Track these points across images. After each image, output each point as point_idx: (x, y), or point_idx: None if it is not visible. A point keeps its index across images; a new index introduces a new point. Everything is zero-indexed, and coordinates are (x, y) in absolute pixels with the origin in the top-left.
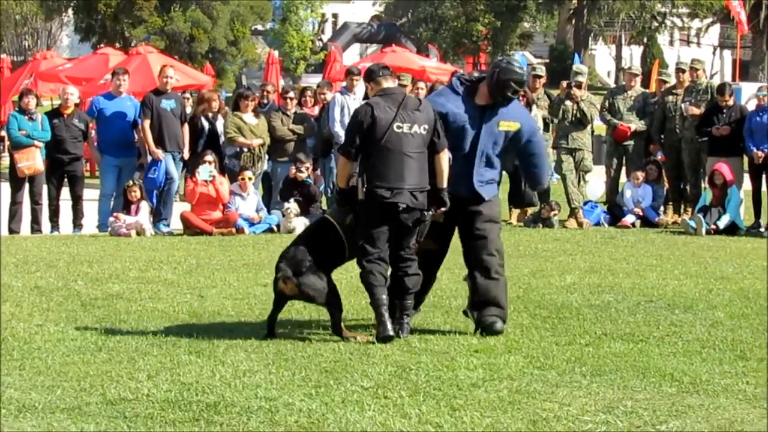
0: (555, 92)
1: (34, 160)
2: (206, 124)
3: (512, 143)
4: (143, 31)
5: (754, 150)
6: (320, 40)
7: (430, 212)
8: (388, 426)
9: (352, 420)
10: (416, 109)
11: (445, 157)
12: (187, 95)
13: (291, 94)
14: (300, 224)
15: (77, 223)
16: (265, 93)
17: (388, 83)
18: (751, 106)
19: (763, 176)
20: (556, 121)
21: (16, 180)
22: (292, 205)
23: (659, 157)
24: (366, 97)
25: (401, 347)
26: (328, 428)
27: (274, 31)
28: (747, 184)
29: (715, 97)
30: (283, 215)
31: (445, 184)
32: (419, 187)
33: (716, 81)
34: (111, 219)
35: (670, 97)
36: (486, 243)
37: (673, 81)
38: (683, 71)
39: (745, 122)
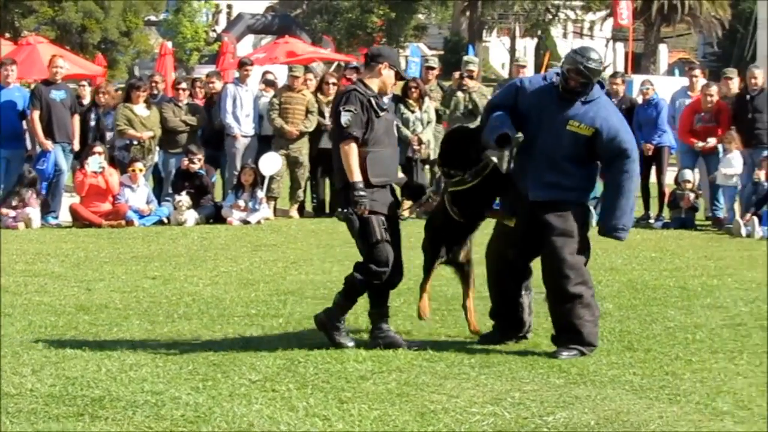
0: (448, 83)
1: None
2: (94, 116)
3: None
4: (34, 21)
5: (643, 143)
6: (214, 31)
7: (345, 211)
8: (275, 419)
9: (239, 413)
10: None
11: (343, 149)
12: (84, 83)
13: (183, 85)
14: (191, 217)
15: None
16: (153, 84)
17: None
18: (639, 100)
19: (652, 168)
20: (447, 112)
21: None
22: (183, 198)
23: None
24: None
25: (290, 340)
26: (214, 422)
27: (167, 22)
28: None
29: (606, 88)
30: (175, 208)
31: (351, 179)
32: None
33: (609, 73)
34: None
35: None
36: (554, 260)
37: None
38: None
39: (634, 115)
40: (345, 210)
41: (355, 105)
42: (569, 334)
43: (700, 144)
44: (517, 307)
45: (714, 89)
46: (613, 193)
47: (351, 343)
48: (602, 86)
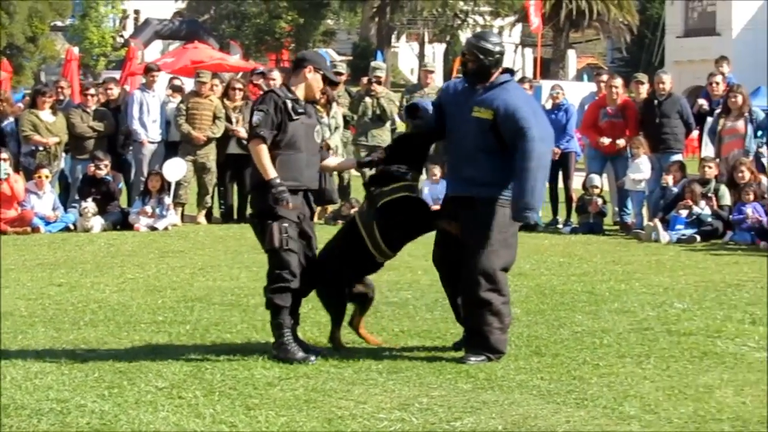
0: (356, 89)
1: None
2: None
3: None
4: None
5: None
6: (121, 36)
7: (249, 216)
8: (181, 426)
9: (145, 421)
10: None
11: (252, 148)
12: None
13: (92, 90)
14: (98, 223)
15: None
16: (59, 90)
17: None
18: (548, 105)
19: (560, 173)
20: (356, 117)
21: None
22: (89, 204)
23: None
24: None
25: (197, 347)
26: (120, 429)
27: (74, 27)
28: None
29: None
30: (80, 214)
31: (266, 177)
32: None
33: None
34: None
35: None
36: (466, 265)
37: None
38: None
39: None
40: (250, 215)
41: (268, 106)
42: (478, 339)
43: (605, 140)
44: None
45: (619, 81)
46: (515, 176)
47: (301, 355)
48: (511, 73)
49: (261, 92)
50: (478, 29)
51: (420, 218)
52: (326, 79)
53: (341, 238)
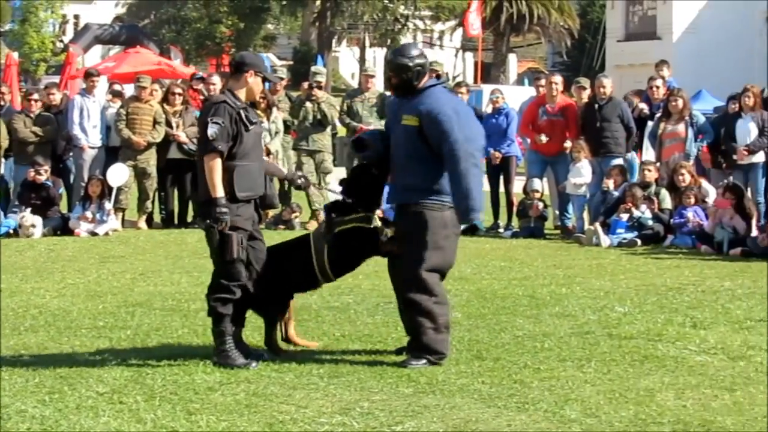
0: (297, 93)
1: None
2: None
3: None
4: None
5: (492, 151)
6: (61, 41)
7: (208, 222)
8: (122, 431)
9: (86, 426)
10: None
11: (207, 163)
12: None
13: (35, 96)
14: (37, 230)
15: None
16: None
17: None
18: (489, 110)
19: (500, 177)
20: (296, 122)
21: None
22: (27, 215)
23: None
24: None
25: (138, 352)
26: None
27: (13, 33)
28: (486, 185)
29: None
30: (19, 225)
31: (213, 194)
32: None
33: (455, 83)
34: None
35: None
36: (396, 268)
37: None
38: None
39: (483, 125)
40: (208, 221)
41: (223, 117)
42: (414, 342)
43: (543, 138)
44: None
45: (558, 79)
46: (450, 181)
47: (241, 361)
48: (438, 77)
49: (201, 97)
50: (419, 34)
51: (369, 249)
52: (266, 81)
53: (289, 251)
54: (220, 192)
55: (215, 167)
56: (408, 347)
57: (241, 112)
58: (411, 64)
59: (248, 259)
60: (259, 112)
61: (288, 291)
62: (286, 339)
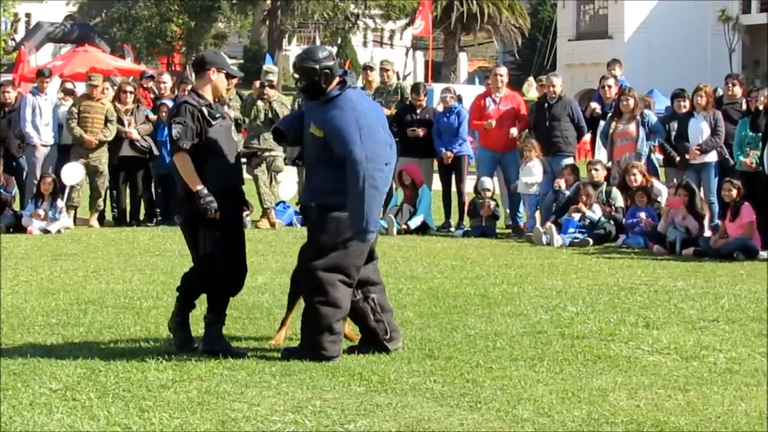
0: (248, 92)
1: None
2: None
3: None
4: None
5: (444, 150)
6: (13, 39)
7: (177, 218)
8: (76, 428)
9: (39, 422)
10: None
11: (176, 160)
12: None
13: None
14: None
15: None
16: None
17: None
18: (440, 108)
19: (452, 176)
20: (248, 121)
21: None
22: None
23: None
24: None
25: (91, 349)
26: (14, 431)
27: None
28: (437, 184)
29: (407, 97)
30: None
31: (193, 188)
32: None
33: (409, 82)
34: None
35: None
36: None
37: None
38: (371, 69)
39: (434, 123)
40: (177, 217)
41: (184, 117)
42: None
43: (492, 122)
44: (356, 311)
45: (503, 70)
46: (348, 199)
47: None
48: (344, 83)
49: (152, 96)
50: (369, 33)
51: None
52: (229, 76)
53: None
54: (198, 185)
55: (185, 163)
56: (359, 345)
57: (204, 109)
58: (317, 67)
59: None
60: None
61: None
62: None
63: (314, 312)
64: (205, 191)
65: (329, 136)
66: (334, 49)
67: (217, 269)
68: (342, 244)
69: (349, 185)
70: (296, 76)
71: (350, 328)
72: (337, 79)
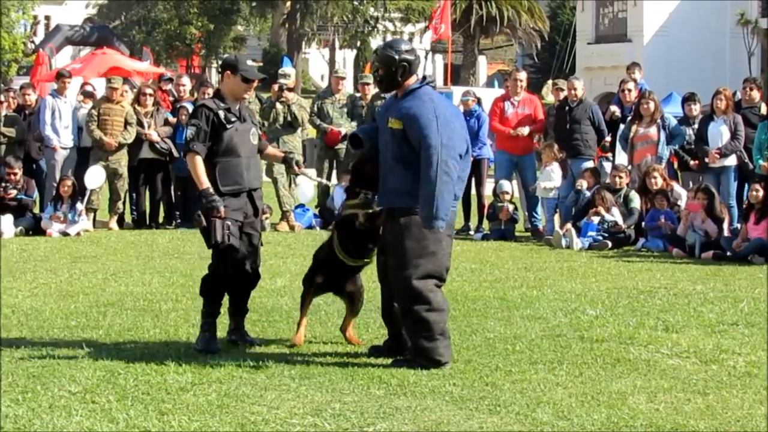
0: (266, 95)
1: None
2: None
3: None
4: None
5: None
6: (32, 42)
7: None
8: (95, 431)
9: (59, 425)
10: None
11: (188, 161)
12: None
13: (1, 97)
14: (10, 228)
15: None
16: None
17: None
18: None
19: (472, 180)
20: (267, 124)
21: None
22: None
23: None
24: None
25: (110, 351)
26: None
27: None
28: None
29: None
30: None
31: (200, 187)
32: None
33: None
34: None
35: (380, 102)
36: (389, 277)
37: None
38: None
39: None
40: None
41: (199, 119)
42: (411, 347)
43: (525, 130)
44: (394, 317)
45: (523, 75)
46: (420, 184)
47: (214, 346)
48: (424, 79)
49: (171, 98)
50: (389, 36)
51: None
52: (246, 80)
53: (328, 240)
54: (205, 184)
55: (195, 164)
56: (384, 347)
57: (220, 113)
58: (397, 57)
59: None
60: None
61: (317, 275)
62: (341, 329)
63: (422, 321)
64: (211, 191)
65: (406, 124)
66: (353, 53)
67: (224, 261)
68: (429, 248)
69: (422, 170)
70: (375, 64)
71: (353, 332)
72: (415, 77)
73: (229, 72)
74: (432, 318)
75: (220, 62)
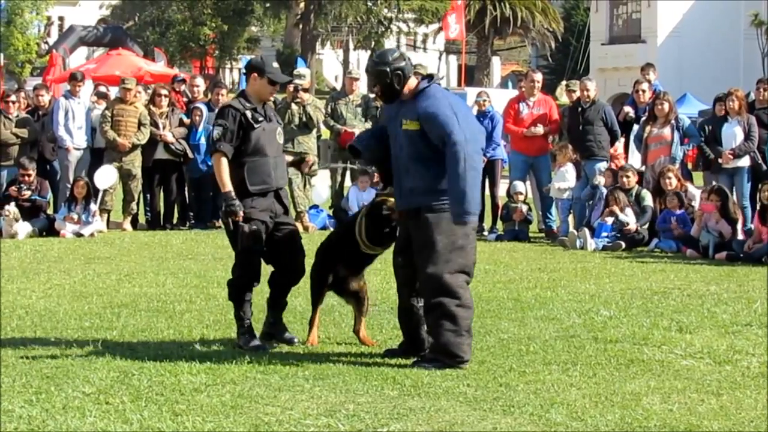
0: (281, 96)
1: None
2: None
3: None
4: None
5: None
6: (46, 43)
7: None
8: (109, 431)
9: (72, 426)
10: None
11: (213, 161)
12: None
13: (13, 97)
14: (23, 229)
15: None
16: None
17: None
18: (474, 112)
19: (486, 180)
20: (282, 125)
21: None
22: (11, 208)
23: None
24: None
25: (124, 352)
26: None
27: None
28: None
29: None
30: (3, 219)
31: (223, 190)
32: None
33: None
34: None
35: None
36: (416, 275)
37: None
38: None
39: None
40: (220, 216)
41: (226, 120)
42: (434, 344)
43: (540, 129)
44: (412, 318)
45: (539, 76)
46: (447, 181)
47: (255, 344)
48: (431, 78)
49: (185, 99)
50: (402, 37)
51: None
52: (272, 82)
53: (344, 227)
54: (227, 186)
55: (220, 165)
56: (400, 350)
57: (247, 113)
58: (388, 69)
59: (278, 246)
60: None
61: (336, 265)
62: (354, 331)
63: (451, 316)
64: (233, 194)
65: (426, 124)
66: (367, 53)
67: (246, 265)
68: (458, 242)
69: (449, 167)
70: (370, 81)
71: (366, 333)
72: (414, 78)
73: (255, 74)
74: (460, 314)
75: (233, 63)
